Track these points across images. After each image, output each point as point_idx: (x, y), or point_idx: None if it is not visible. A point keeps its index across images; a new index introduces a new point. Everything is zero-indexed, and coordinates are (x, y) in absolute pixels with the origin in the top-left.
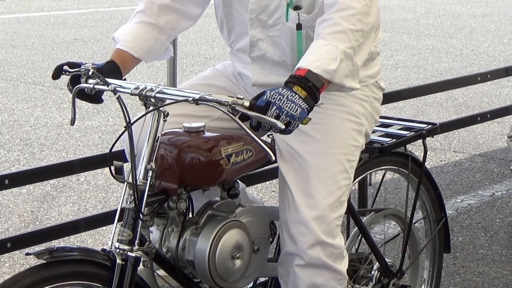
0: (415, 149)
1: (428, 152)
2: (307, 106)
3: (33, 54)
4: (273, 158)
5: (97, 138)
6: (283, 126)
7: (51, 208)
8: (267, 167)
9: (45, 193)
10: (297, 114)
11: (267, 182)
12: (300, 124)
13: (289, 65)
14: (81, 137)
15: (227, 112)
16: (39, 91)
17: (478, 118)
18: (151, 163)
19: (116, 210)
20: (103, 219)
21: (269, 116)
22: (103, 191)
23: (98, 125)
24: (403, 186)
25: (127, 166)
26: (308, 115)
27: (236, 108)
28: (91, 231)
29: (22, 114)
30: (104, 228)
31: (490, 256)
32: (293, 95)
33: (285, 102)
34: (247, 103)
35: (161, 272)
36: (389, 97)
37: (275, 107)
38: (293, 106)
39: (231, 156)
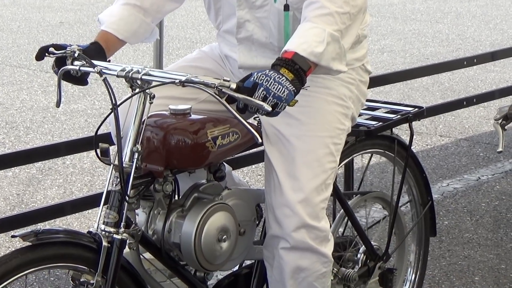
0: (401, 133)
1: (414, 136)
2: (294, 88)
3: (18, 37)
4: (260, 140)
5: (83, 122)
6: (269, 108)
7: (37, 191)
8: (253, 150)
9: (31, 176)
10: (284, 95)
11: (253, 166)
12: (287, 106)
13: (276, 47)
14: (67, 120)
15: (214, 94)
16: (24, 74)
17: (464, 102)
18: (137, 145)
19: (102, 193)
20: (89, 202)
21: (256, 98)
22: (89, 175)
23: (84, 109)
24: (389, 171)
25: (113, 150)
26: (295, 97)
27: (223, 90)
28: (76, 214)
29: (8, 97)
30: (90, 211)
31: (475, 240)
32: (280, 77)
33: (272, 84)
34: (233, 85)
35: (147, 255)
36: (375, 81)
37: (262, 88)
38: (280, 88)
39: (217, 139)
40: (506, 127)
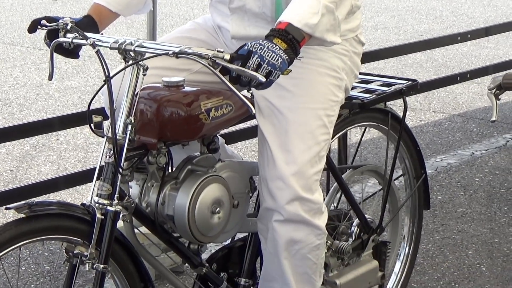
0: (395, 109)
1: (408, 112)
2: (287, 57)
3: (11, 14)
4: (254, 111)
5: (77, 99)
6: (263, 79)
7: (30, 167)
8: (247, 125)
9: (25, 153)
10: (278, 63)
11: (247, 141)
12: (280, 75)
13: (269, 17)
14: (60, 97)
15: (208, 65)
16: (18, 51)
17: (458, 78)
18: (130, 117)
19: (96, 167)
20: (83, 177)
21: (251, 65)
22: (82, 151)
23: (78, 86)
24: (383, 146)
25: (107, 126)
26: (288, 67)
27: (217, 61)
28: (70, 189)
29: (1, 75)
30: (83, 186)
31: (469, 215)
32: (274, 46)
33: (266, 52)
34: (227, 56)
35: (142, 229)
36: (369, 57)
37: (256, 55)
38: (274, 56)
39: (210, 111)
40: (499, 97)
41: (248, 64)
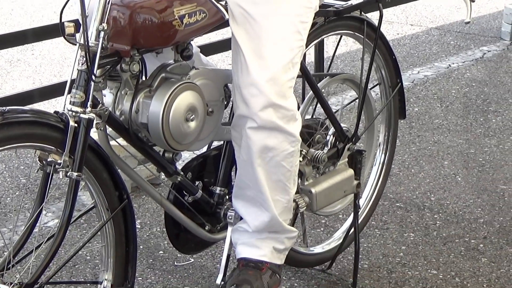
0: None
1: (385, 25)
2: None
3: None
4: (227, 17)
5: (52, 14)
6: None
7: (6, 82)
8: (223, 37)
9: None
10: None
11: (225, 54)
12: None
13: None
14: (35, 12)
15: None
16: None
17: None
18: (102, 24)
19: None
20: (58, 89)
21: None
22: (58, 65)
23: (52, 0)
24: (359, 58)
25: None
26: None
27: None
28: (45, 102)
29: None
30: (58, 99)
31: (445, 126)
32: None
33: None
34: None
35: (120, 140)
36: None
37: None
38: None
39: (184, 17)
40: None
41: None
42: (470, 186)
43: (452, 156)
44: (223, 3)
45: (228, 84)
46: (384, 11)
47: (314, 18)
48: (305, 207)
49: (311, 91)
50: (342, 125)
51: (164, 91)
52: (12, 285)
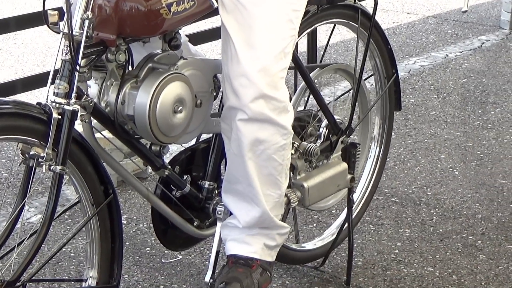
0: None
1: (381, 14)
2: None
3: None
4: (216, 5)
5: (35, 1)
6: None
7: None
8: (213, 26)
9: None
10: None
11: (214, 43)
12: None
13: None
14: None
15: None
16: None
17: None
18: (87, 12)
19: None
20: (41, 80)
21: None
22: (41, 54)
23: None
24: (353, 48)
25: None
26: None
27: None
28: (28, 93)
29: None
30: (42, 90)
31: (442, 118)
32: None
33: None
34: None
35: (106, 133)
36: None
37: None
38: None
39: (172, 5)
40: None
41: None
42: (468, 181)
43: (449, 149)
44: None
45: (218, 75)
46: None
47: (306, 7)
48: (297, 202)
49: (303, 82)
50: (336, 117)
51: (151, 82)
52: None
